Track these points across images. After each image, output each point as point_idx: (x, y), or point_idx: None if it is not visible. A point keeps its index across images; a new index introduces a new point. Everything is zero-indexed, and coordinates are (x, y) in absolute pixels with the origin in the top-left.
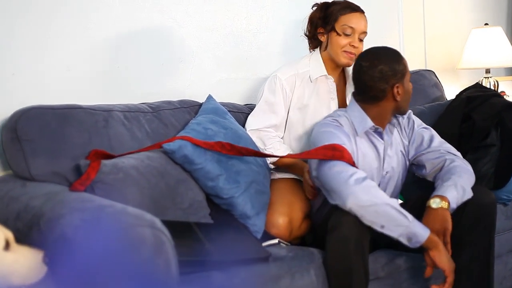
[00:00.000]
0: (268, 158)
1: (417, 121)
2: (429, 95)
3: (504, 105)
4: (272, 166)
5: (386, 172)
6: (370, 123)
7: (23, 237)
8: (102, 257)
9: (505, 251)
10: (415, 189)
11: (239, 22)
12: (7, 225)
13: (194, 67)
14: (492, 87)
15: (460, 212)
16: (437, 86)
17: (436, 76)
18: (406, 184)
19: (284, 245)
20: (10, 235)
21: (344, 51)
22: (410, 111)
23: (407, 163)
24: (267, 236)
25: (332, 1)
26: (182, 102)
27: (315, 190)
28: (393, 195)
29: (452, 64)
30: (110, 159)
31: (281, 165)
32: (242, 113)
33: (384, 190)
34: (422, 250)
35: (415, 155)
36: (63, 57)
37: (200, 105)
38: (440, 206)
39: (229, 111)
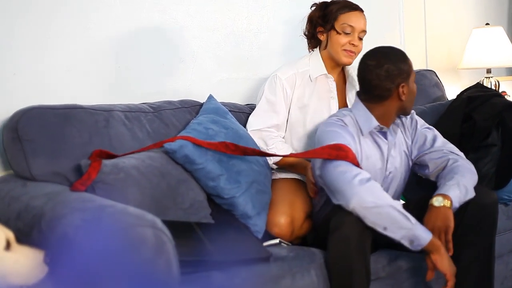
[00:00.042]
0: (271, 158)
1: (420, 121)
2: (430, 95)
3: (505, 105)
4: (274, 166)
5: (389, 172)
6: (375, 122)
7: (24, 237)
8: (103, 257)
9: (506, 251)
10: (416, 189)
11: (240, 22)
12: (8, 225)
13: (195, 67)
14: (493, 87)
15: (462, 212)
16: (438, 86)
17: (437, 76)
18: (408, 184)
19: (285, 245)
20: (11, 235)
21: (344, 49)
22: (413, 111)
23: (410, 163)
24: (269, 236)
25: (331, 1)
26: (183, 102)
27: (317, 188)
28: (395, 195)
29: (453, 64)
30: (111, 159)
31: (285, 165)
32: (243, 113)
33: (387, 190)
34: (423, 252)
35: (418, 155)
36: (64, 57)
37: (201, 105)
38: (442, 204)
39: (230, 111)
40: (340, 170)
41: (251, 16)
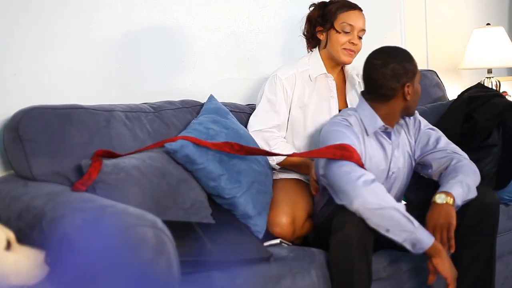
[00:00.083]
0: (274, 159)
1: (423, 121)
2: (431, 95)
3: (506, 105)
4: (277, 167)
5: (392, 173)
6: (380, 122)
7: (25, 237)
8: (103, 257)
9: (507, 252)
10: (417, 189)
11: (240, 22)
12: (8, 225)
13: (196, 67)
14: (494, 87)
15: (463, 212)
16: (439, 86)
17: (438, 76)
18: (408, 184)
19: (285, 245)
20: (11, 235)
21: (344, 48)
22: (416, 111)
23: (413, 163)
24: (270, 235)
25: (330, 0)
26: (184, 102)
27: (318, 185)
28: (397, 195)
29: (454, 64)
30: (112, 159)
31: (288, 165)
32: (243, 113)
33: (389, 190)
34: (424, 256)
35: (421, 155)
36: (65, 57)
37: (202, 105)
38: (445, 201)
39: (230, 111)
40: (345, 170)
41: (252, 16)
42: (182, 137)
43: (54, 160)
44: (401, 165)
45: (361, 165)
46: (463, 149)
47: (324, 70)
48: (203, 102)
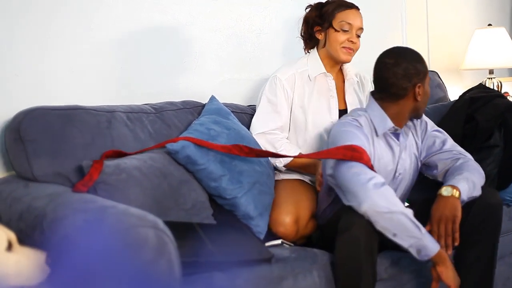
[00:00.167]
0: (282, 161)
1: (430, 123)
2: (432, 95)
3: (507, 106)
4: (283, 169)
5: (399, 174)
6: (390, 123)
7: (26, 238)
8: (104, 257)
9: (508, 252)
10: (420, 190)
11: (242, 23)
12: (9, 225)
13: (197, 67)
14: (495, 88)
15: (467, 211)
16: (440, 86)
17: (440, 77)
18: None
19: (287, 245)
20: (12, 236)
21: (343, 47)
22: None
23: (419, 164)
24: (273, 235)
25: (326, 1)
26: (185, 103)
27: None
28: (402, 196)
29: (455, 65)
30: (113, 160)
31: (295, 166)
32: (245, 113)
33: (395, 191)
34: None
35: (427, 156)
36: (65, 57)
37: (203, 105)
38: (451, 194)
39: (232, 111)
40: (354, 171)
41: (254, 17)
42: (184, 138)
43: (55, 161)
44: (407, 166)
45: (371, 167)
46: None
47: (323, 70)
48: (204, 102)
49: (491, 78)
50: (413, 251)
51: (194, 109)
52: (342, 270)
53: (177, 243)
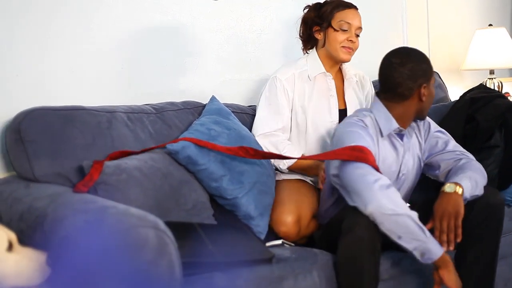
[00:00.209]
0: (286, 163)
1: (433, 124)
2: None
3: (508, 106)
4: (286, 171)
5: (402, 174)
6: (395, 124)
7: (27, 238)
8: (105, 258)
9: (510, 253)
10: (421, 190)
11: (242, 23)
12: (10, 226)
13: (198, 68)
14: (496, 88)
15: (469, 211)
16: (441, 87)
17: (440, 77)
18: None
19: (287, 246)
20: (13, 236)
21: (343, 46)
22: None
23: (422, 165)
24: (274, 236)
25: (324, 1)
26: (186, 103)
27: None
28: (405, 196)
29: (456, 65)
30: (113, 160)
31: (298, 168)
32: (245, 114)
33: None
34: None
35: (429, 156)
36: (66, 58)
37: (204, 106)
38: (454, 190)
39: (232, 112)
40: (360, 172)
41: (254, 17)
42: (184, 139)
43: (55, 162)
44: (411, 167)
45: (376, 168)
46: None
47: (323, 69)
48: (205, 103)
49: (492, 79)
50: (417, 254)
51: (194, 110)
52: (345, 270)
53: (178, 243)
